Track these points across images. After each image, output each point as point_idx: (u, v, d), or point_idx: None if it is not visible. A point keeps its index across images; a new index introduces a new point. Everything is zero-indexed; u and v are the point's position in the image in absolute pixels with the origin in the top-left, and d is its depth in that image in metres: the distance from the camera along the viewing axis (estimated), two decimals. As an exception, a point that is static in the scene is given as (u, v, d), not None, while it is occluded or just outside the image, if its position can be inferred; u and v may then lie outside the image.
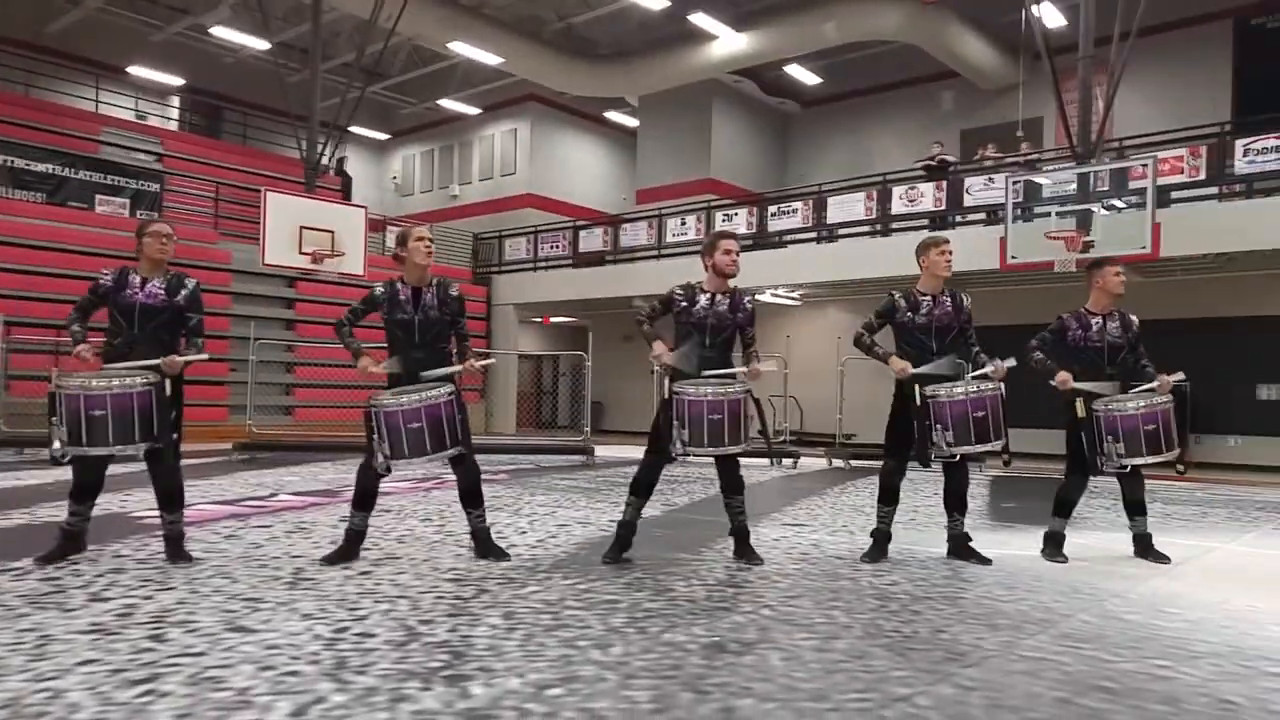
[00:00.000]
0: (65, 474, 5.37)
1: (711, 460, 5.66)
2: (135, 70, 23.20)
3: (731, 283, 5.68)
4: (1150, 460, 5.85)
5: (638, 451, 5.74)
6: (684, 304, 5.59)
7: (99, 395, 4.91)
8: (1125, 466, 5.81)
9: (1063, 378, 5.87)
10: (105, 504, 5.61)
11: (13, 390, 13.39)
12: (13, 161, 16.69)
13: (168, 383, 5.10)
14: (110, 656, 3.53)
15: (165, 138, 22.99)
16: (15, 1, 21.30)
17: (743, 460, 5.66)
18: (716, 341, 5.57)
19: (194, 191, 20.15)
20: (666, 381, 5.39)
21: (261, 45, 20.81)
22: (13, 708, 2.97)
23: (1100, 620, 4.47)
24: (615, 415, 22.87)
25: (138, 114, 24.03)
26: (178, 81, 24.18)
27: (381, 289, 5.57)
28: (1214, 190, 14.24)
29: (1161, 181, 13.06)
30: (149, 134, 22.79)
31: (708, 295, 5.61)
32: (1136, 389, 5.92)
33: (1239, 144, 13.53)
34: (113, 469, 5.42)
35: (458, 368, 5.53)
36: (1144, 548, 6.10)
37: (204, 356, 5.33)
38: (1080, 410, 5.86)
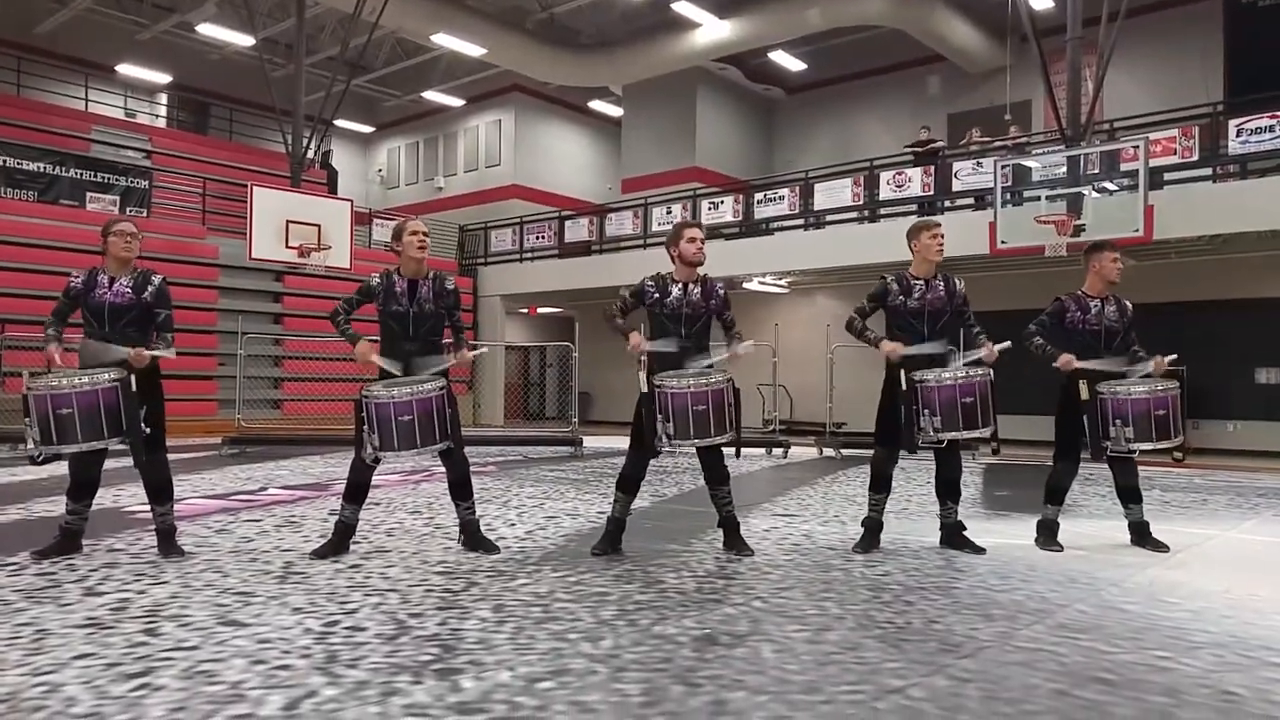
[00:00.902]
0: (59, 469, 5.38)
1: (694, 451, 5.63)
2: (124, 69, 23.23)
3: (700, 270, 5.66)
4: (1160, 445, 5.84)
5: (625, 442, 5.70)
6: (656, 295, 5.56)
7: (65, 394, 4.92)
8: (1134, 451, 5.76)
9: (1066, 359, 5.79)
10: (99, 498, 5.60)
11: (7, 387, 13.35)
12: (5, 160, 16.67)
13: (133, 378, 5.05)
14: (105, 651, 3.55)
15: (154, 135, 22.98)
16: (4, 2, 21.20)
17: (743, 450, 5.61)
18: (692, 331, 5.55)
19: (182, 187, 20.12)
20: (643, 375, 5.35)
21: (246, 41, 20.74)
22: (10, 702, 2.99)
23: (1097, 610, 4.43)
24: (603, 405, 22.81)
25: (127, 112, 24.10)
26: (165, 79, 24.18)
27: (377, 280, 5.53)
28: (1208, 171, 14.10)
29: (1154, 163, 13.00)
30: (138, 131, 22.76)
31: (679, 285, 5.59)
32: (1133, 371, 5.88)
33: (1232, 124, 13.43)
34: (108, 464, 5.39)
35: (450, 360, 5.49)
36: (1141, 536, 6.05)
37: (171, 353, 5.26)
38: (1084, 393, 5.79)
